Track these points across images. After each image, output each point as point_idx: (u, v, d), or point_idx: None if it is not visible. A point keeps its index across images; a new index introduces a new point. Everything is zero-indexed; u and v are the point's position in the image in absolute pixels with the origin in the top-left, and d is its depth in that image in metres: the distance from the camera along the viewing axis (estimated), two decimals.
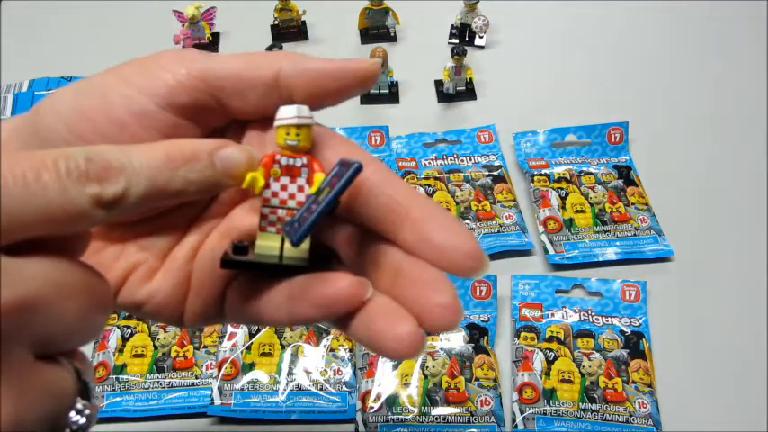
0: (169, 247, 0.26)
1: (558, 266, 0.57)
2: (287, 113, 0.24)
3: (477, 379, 0.50)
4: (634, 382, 0.50)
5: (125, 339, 0.52)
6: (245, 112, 0.25)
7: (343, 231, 0.25)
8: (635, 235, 0.58)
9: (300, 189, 0.25)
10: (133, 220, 0.26)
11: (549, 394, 0.50)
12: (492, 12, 0.74)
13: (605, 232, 0.59)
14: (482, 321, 0.53)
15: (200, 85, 0.24)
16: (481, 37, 0.76)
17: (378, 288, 0.24)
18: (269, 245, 0.24)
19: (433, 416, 0.49)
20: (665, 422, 0.49)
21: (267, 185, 0.25)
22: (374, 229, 0.24)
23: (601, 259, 0.57)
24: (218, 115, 0.25)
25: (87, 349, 0.52)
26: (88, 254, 0.25)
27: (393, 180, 0.24)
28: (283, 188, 0.25)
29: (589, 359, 0.51)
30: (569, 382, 0.50)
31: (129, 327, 0.53)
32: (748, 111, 0.69)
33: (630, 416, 0.48)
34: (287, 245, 0.24)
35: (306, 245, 0.24)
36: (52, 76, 0.71)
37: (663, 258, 0.58)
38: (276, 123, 0.24)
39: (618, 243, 0.58)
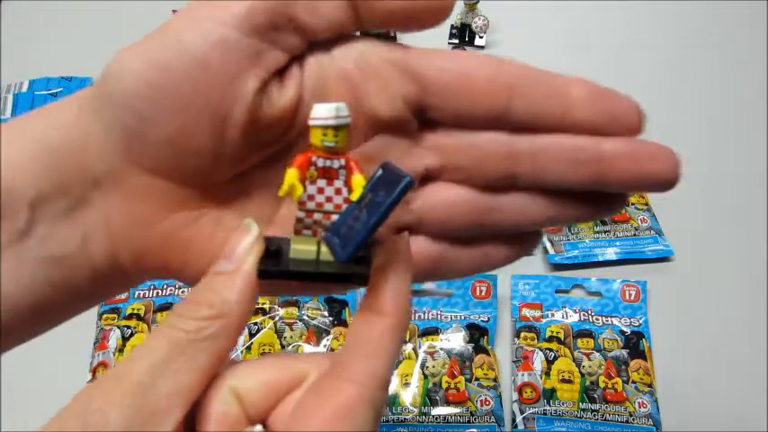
0: (271, 214, 0.25)
1: (558, 266, 0.57)
2: (324, 113, 0.22)
3: (477, 379, 0.50)
4: (634, 382, 0.50)
5: (125, 339, 0.52)
6: (320, 28, 0.23)
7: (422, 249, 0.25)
8: (635, 235, 0.58)
9: (338, 191, 0.24)
10: (228, 179, 0.24)
11: (549, 394, 0.50)
12: (492, 12, 0.74)
13: (605, 232, 0.59)
14: (482, 321, 0.53)
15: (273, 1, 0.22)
16: (481, 37, 0.76)
17: None
18: (305, 249, 0.23)
19: (433, 416, 0.49)
20: (665, 422, 0.49)
21: (303, 189, 0.23)
22: (524, 126, 0.25)
23: (601, 259, 0.57)
24: (294, 37, 0.23)
25: (87, 349, 0.52)
26: (180, 227, 0.24)
27: (533, 71, 0.25)
28: (320, 191, 0.23)
29: (589, 359, 0.51)
30: (569, 382, 0.50)
31: (129, 327, 0.53)
32: (748, 111, 0.69)
33: (630, 416, 0.48)
34: (323, 248, 0.23)
35: None
36: (52, 76, 0.71)
37: (663, 258, 0.58)
38: (311, 123, 0.23)
39: (618, 243, 0.58)
